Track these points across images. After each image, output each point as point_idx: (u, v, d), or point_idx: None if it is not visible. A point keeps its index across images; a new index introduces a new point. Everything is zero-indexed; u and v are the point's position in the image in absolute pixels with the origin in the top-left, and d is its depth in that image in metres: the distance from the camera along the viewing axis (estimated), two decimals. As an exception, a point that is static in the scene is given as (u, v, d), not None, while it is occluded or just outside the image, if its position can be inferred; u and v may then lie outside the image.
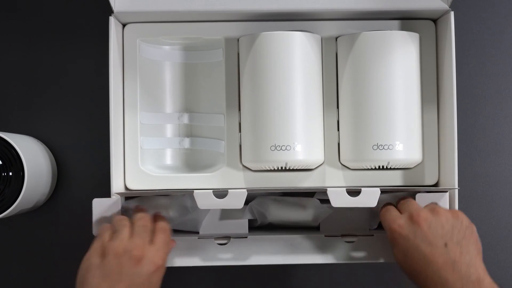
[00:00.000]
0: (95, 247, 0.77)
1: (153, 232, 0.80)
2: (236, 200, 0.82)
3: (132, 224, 0.80)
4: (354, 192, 0.82)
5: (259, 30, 0.88)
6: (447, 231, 0.78)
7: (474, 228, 0.79)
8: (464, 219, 0.79)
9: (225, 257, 0.86)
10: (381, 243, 0.86)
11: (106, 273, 0.74)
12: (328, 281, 1.00)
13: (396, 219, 0.80)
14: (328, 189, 0.82)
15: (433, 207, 0.80)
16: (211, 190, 0.82)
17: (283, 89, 0.86)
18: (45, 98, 0.99)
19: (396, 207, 0.83)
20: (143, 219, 0.81)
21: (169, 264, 0.84)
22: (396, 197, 0.88)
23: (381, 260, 0.86)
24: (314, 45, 0.89)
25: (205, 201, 0.82)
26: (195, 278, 1.00)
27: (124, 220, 0.80)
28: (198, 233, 0.90)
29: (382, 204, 0.85)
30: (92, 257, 0.76)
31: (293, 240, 0.86)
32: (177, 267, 0.85)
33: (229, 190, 0.82)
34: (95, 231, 0.83)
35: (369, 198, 0.82)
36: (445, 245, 0.77)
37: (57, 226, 0.99)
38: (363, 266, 0.98)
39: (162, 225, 0.81)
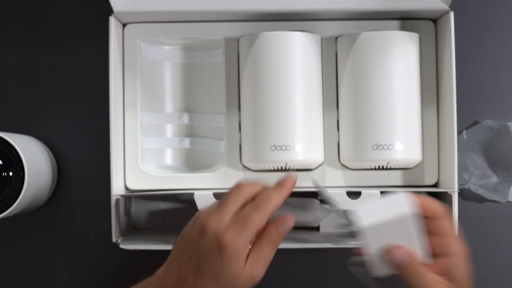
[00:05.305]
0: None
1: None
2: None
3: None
4: (354, 193, 0.82)
5: (259, 30, 0.88)
6: None
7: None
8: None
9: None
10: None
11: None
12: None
13: None
14: (328, 191, 0.82)
15: None
16: (211, 192, 0.82)
17: (283, 89, 0.86)
18: (45, 98, 0.99)
19: None
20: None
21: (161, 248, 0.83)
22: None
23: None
24: (314, 45, 0.89)
25: (206, 203, 0.81)
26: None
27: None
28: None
29: None
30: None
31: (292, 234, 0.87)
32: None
33: (229, 191, 0.82)
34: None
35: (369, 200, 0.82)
36: None
37: (57, 226, 0.99)
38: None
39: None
